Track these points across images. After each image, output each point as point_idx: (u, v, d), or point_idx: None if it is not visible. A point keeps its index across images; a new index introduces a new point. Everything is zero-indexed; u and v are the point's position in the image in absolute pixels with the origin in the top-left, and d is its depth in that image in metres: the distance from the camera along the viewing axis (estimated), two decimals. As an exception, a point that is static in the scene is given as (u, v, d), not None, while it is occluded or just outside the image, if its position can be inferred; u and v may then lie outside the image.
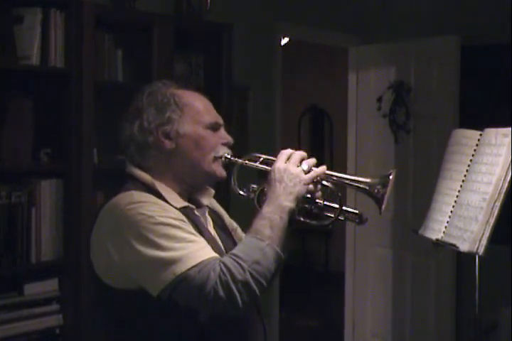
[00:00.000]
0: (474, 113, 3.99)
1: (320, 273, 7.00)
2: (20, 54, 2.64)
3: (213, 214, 1.82)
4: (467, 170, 2.27)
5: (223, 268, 1.48)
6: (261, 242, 1.53)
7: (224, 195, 1.86)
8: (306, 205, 1.67)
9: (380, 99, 4.32)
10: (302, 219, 1.66)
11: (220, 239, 1.74)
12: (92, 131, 2.75)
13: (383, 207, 1.61)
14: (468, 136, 2.34)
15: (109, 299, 1.62)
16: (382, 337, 4.40)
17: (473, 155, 2.27)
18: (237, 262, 1.49)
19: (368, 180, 1.63)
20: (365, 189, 1.63)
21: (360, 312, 4.57)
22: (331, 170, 1.67)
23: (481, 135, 2.29)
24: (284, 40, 4.77)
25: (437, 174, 2.45)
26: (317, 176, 1.64)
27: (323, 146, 7.39)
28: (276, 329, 4.28)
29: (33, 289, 2.63)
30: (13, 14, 2.67)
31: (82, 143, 2.71)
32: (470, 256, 2.22)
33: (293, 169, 1.62)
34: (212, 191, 1.81)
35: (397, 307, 4.28)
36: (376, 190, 1.61)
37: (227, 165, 1.71)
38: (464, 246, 2.15)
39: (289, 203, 1.59)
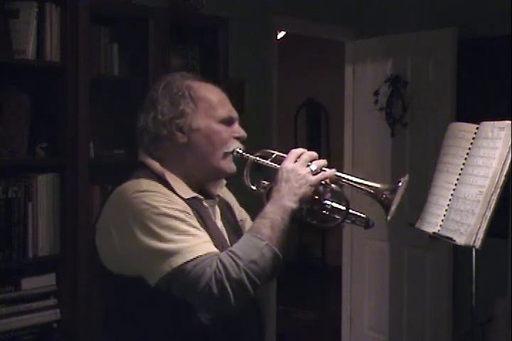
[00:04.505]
0: (471, 106, 3.99)
1: (317, 267, 7.01)
2: (16, 48, 2.63)
3: (223, 204, 1.81)
4: (464, 164, 2.28)
5: (219, 265, 1.47)
6: (260, 242, 1.52)
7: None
8: (314, 206, 1.65)
9: (376, 93, 4.31)
10: (309, 220, 1.65)
11: (227, 231, 1.73)
12: (88, 125, 2.74)
13: (390, 213, 1.58)
14: (464, 130, 2.34)
15: (111, 285, 1.64)
16: (379, 330, 4.40)
17: (469, 149, 2.28)
18: (234, 260, 1.48)
19: (377, 185, 1.60)
20: (372, 193, 1.60)
21: (357, 306, 4.57)
22: (329, 164, 1.65)
23: (477, 128, 2.29)
24: (281, 34, 4.76)
25: (434, 167, 2.45)
26: (325, 178, 1.62)
27: (319, 140, 7.39)
28: (274, 322, 4.28)
29: (31, 284, 2.62)
30: (9, 8, 2.65)
31: (78, 137, 2.71)
32: (466, 248, 2.22)
33: (301, 169, 1.61)
34: (224, 181, 1.81)
35: (394, 300, 4.29)
36: (384, 196, 1.59)
37: (239, 159, 1.70)
38: (460, 240, 2.16)
39: (292, 204, 1.58)
